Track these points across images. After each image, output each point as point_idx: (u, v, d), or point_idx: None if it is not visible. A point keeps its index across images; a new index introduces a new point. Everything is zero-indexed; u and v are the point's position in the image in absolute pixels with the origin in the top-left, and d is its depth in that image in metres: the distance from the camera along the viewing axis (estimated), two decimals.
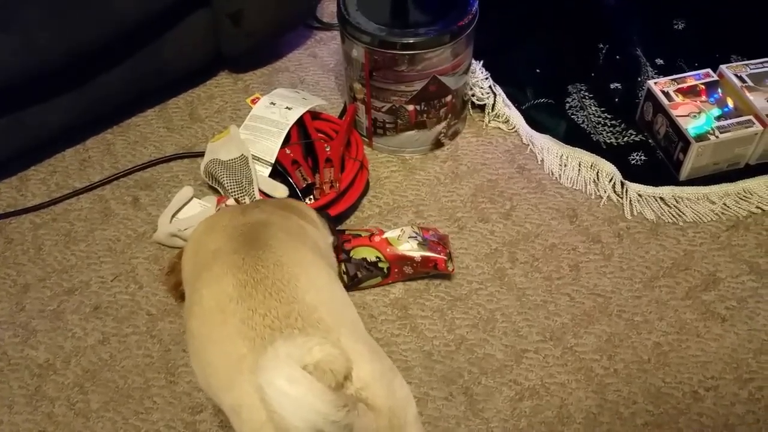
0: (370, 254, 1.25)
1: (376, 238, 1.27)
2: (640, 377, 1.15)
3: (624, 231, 1.35)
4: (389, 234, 1.27)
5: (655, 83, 1.46)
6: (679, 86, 1.45)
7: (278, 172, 1.40)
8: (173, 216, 1.38)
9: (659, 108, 1.43)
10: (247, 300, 0.78)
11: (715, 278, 1.26)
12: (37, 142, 1.51)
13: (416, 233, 1.27)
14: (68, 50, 1.35)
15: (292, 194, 1.38)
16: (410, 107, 1.42)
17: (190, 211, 1.39)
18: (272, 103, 1.47)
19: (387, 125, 1.47)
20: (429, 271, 1.27)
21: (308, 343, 0.68)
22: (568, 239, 1.34)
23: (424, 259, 1.25)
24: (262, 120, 1.45)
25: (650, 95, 1.46)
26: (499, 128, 1.55)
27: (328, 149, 1.40)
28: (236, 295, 0.79)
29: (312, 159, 1.43)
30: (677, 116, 1.39)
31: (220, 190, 1.41)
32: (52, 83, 1.42)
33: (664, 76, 1.54)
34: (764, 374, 1.15)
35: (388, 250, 1.25)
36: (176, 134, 1.60)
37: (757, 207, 1.36)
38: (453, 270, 1.27)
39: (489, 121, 1.55)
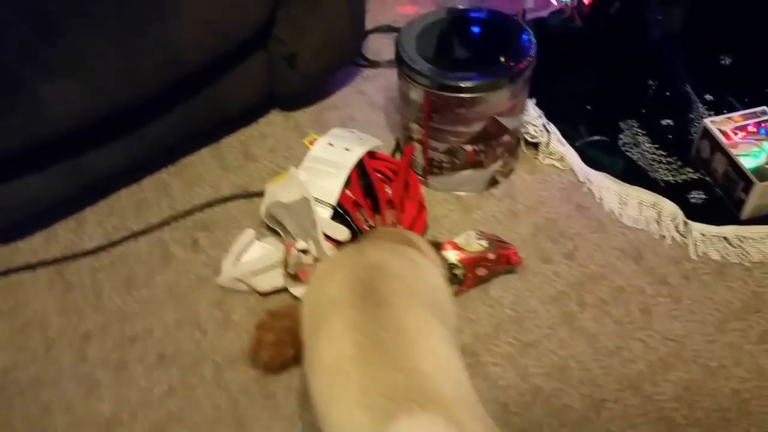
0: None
1: (448, 246, 1.24)
2: (723, 427, 1.06)
3: (690, 272, 1.26)
4: (457, 240, 1.25)
5: (712, 121, 1.38)
6: (736, 124, 1.37)
7: (338, 214, 1.32)
8: (237, 260, 1.30)
9: (717, 147, 1.35)
10: (366, 366, 0.72)
11: None
12: (94, 184, 1.43)
13: (479, 236, 1.26)
14: (132, 95, 1.27)
15: (353, 237, 1.29)
16: (468, 147, 1.34)
17: (253, 254, 1.31)
18: (330, 144, 1.39)
19: (444, 165, 1.39)
20: (502, 267, 1.25)
21: (432, 424, 0.64)
22: (635, 281, 1.26)
23: (498, 255, 1.23)
24: (321, 161, 1.37)
25: (707, 134, 1.37)
26: (554, 165, 1.47)
27: (388, 191, 1.32)
28: (356, 357, 0.73)
29: (371, 200, 1.35)
30: (737, 155, 1.31)
31: (280, 232, 1.33)
32: (112, 127, 1.34)
33: (715, 111, 1.47)
34: None
35: (462, 254, 1.22)
36: (231, 174, 1.52)
37: None
38: (521, 262, 1.26)
39: (543, 159, 1.47)
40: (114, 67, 1.22)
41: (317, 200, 1.32)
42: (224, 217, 1.44)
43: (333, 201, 1.32)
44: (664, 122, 1.50)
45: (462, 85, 1.24)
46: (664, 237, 1.32)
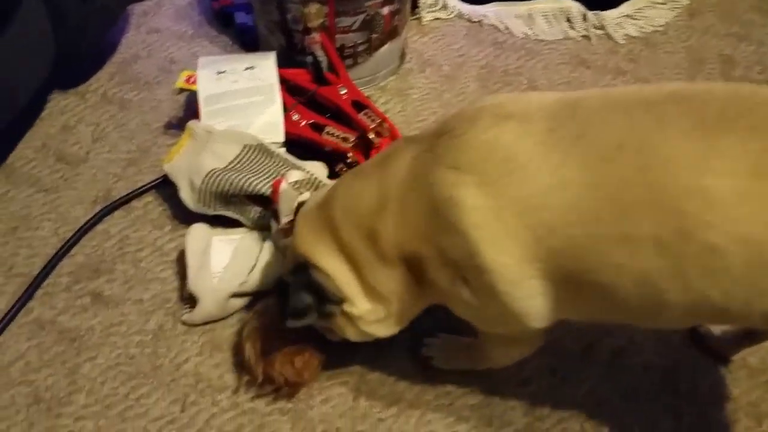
0: None
1: None
2: None
3: (631, 54, 1.35)
4: None
5: None
6: None
7: (293, 150, 1.04)
8: (210, 273, 0.92)
9: None
10: None
11: None
12: None
13: None
14: None
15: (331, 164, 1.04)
16: (385, 10, 1.17)
17: (224, 253, 0.94)
18: (221, 71, 1.07)
19: (358, 49, 1.20)
20: None
21: None
22: (602, 82, 1.29)
23: None
24: (226, 96, 1.05)
25: None
26: (438, 19, 1.40)
27: (344, 92, 1.08)
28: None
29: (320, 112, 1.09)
30: None
31: (234, 215, 0.98)
32: None
33: None
34: None
35: None
36: (65, 191, 1.07)
37: None
38: None
39: (426, 15, 1.39)
40: None
41: None
42: (111, 246, 1.00)
43: (281, 136, 1.04)
44: None
45: None
46: (587, 37, 1.38)
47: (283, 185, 0.89)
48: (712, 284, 0.57)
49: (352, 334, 0.77)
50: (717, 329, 0.89)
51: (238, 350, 0.88)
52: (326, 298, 0.72)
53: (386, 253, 0.68)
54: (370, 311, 0.73)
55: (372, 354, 0.89)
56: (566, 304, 0.65)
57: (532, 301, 0.65)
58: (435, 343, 0.88)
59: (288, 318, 0.74)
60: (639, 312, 0.63)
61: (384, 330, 0.76)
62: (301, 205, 0.82)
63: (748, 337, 0.85)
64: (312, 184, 0.94)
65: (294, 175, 0.91)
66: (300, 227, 0.75)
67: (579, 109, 0.63)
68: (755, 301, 0.58)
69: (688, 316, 0.62)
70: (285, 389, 0.85)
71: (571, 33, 1.38)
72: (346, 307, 0.73)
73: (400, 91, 1.26)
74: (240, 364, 0.87)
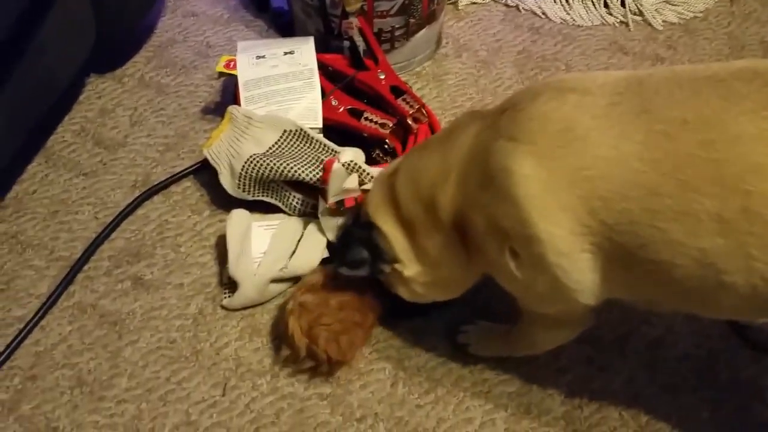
0: None
1: None
2: None
3: (669, 41, 1.34)
4: None
5: None
6: None
7: (331, 135, 1.04)
8: (249, 258, 0.93)
9: None
10: None
11: None
12: None
13: None
14: None
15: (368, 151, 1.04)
16: None
17: (263, 240, 0.95)
18: (260, 56, 1.07)
19: (396, 33, 1.19)
20: None
21: None
22: (639, 69, 1.28)
23: None
24: (265, 81, 1.05)
25: None
26: (475, 3, 1.39)
27: (382, 77, 1.08)
28: None
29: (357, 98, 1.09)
30: None
31: (273, 200, 0.99)
32: None
33: None
34: None
35: None
36: (104, 176, 1.08)
37: None
38: None
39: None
40: None
41: None
42: (150, 230, 1.02)
43: (319, 121, 1.04)
44: None
45: None
46: (625, 23, 1.36)
47: (336, 165, 0.90)
48: None
49: (403, 293, 0.82)
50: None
51: (280, 324, 0.88)
52: (380, 257, 0.78)
53: (442, 220, 0.72)
54: (420, 273, 0.78)
55: (410, 341, 0.90)
56: (618, 281, 0.65)
57: (582, 275, 0.65)
58: (472, 330, 0.89)
59: (343, 266, 0.81)
60: (694, 294, 0.63)
61: (434, 294, 0.81)
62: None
63: None
64: (357, 167, 0.94)
65: (346, 155, 0.91)
66: (372, 189, 0.82)
67: (644, 86, 0.64)
68: None
69: (745, 302, 0.60)
70: (325, 366, 0.85)
71: (609, 18, 1.37)
72: (398, 267, 0.78)
73: (435, 77, 1.25)
74: (282, 338, 0.87)
